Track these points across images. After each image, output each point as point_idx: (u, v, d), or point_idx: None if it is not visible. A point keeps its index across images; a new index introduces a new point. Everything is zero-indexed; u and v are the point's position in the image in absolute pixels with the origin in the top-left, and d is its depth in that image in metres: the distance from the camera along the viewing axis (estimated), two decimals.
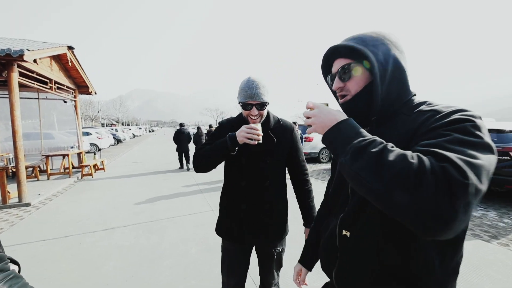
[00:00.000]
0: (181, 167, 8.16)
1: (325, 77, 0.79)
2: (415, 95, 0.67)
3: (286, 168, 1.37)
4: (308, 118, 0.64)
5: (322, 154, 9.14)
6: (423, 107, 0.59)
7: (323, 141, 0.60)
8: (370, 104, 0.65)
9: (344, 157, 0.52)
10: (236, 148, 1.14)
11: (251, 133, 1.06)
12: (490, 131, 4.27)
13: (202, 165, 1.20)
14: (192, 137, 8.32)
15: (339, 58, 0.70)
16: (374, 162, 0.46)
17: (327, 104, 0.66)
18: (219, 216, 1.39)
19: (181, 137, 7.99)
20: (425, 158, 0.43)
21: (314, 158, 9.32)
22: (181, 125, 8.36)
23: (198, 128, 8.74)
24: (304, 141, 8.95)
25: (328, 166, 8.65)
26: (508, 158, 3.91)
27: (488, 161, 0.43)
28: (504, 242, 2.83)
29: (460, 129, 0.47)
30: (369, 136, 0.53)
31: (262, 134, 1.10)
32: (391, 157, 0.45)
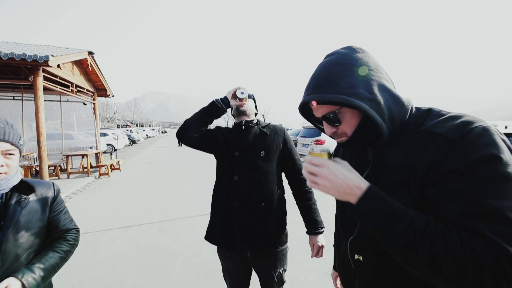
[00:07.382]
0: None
1: (308, 119, 0.71)
2: (412, 105, 0.60)
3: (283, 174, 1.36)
4: (311, 174, 0.55)
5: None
6: (430, 125, 0.54)
7: (353, 213, 0.53)
8: (373, 134, 0.58)
9: (385, 242, 0.50)
10: (222, 107, 1.24)
11: (236, 88, 1.25)
12: (507, 135, 4.03)
13: (188, 124, 1.23)
14: None
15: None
16: (428, 260, 0.45)
17: (329, 153, 0.57)
18: (210, 220, 1.31)
19: None
20: (477, 249, 0.42)
21: None
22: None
23: None
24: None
25: None
26: None
27: None
28: None
29: (489, 178, 0.44)
30: (401, 210, 0.49)
31: (246, 90, 1.25)
32: (443, 251, 0.44)
